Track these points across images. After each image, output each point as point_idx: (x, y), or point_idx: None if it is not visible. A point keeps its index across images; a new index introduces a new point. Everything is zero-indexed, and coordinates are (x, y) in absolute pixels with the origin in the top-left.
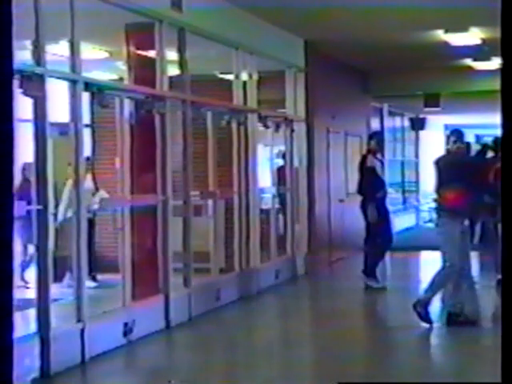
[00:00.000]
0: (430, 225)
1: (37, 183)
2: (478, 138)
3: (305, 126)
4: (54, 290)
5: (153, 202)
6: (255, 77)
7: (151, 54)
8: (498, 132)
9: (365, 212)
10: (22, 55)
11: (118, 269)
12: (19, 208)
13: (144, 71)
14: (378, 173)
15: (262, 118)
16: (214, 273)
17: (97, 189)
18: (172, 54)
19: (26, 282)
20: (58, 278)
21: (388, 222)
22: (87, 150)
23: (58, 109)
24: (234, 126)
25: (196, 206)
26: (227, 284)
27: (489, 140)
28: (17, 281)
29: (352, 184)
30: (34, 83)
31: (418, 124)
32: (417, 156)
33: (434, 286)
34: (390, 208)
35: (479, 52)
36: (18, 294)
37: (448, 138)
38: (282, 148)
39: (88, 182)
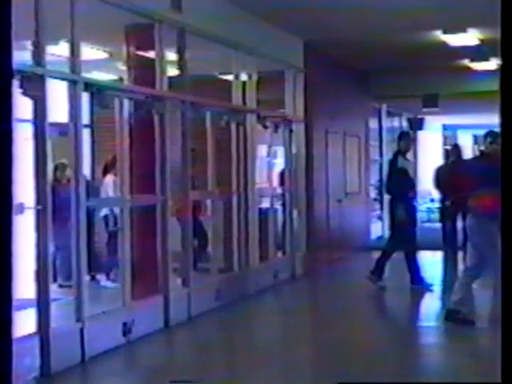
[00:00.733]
0: (429, 224)
1: (37, 183)
2: (475, 138)
3: (303, 126)
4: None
5: (152, 202)
6: (254, 77)
7: (151, 54)
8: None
9: (392, 212)
10: (22, 56)
11: None
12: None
13: (144, 72)
14: (409, 173)
15: (261, 119)
16: (213, 273)
17: None
18: (171, 55)
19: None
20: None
21: (414, 223)
22: (86, 150)
23: (58, 109)
24: (233, 126)
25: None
26: (226, 284)
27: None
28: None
29: (351, 184)
30: (34, 83)
31: (416, 124)
32: (415, 156)
33: (462, 289)
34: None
35: (477, 53)
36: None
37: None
38: (281, 148)
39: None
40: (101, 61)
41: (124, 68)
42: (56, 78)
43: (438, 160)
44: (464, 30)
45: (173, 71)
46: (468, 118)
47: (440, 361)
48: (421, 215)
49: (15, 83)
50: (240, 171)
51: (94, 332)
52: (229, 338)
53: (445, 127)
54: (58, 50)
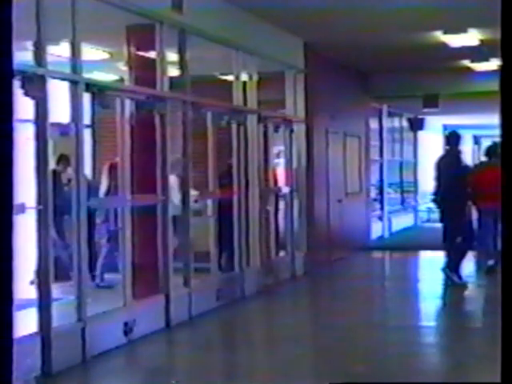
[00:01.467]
0: (429, 224)
1: (38, 183)
2: (476, 138)
3: (304, 126)
4: None
5: (153, 202)
6: (255, 78)
7: (152, 54)
8: (497, 132)
9: (453, 211)
10: (23, 56)
11: None
12: None
13: (144, 72)
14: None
15: (262, 119)
16: (214, 273)
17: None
18: (172, 55)
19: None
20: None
21: (471, 222)
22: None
23: (59, 109)
24: (233, 126)
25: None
26: (227, 284)
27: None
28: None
29: (351, 184)
30: (35, 84)
31: (416, 124)
32: (415, 156)
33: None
34: (388, 208)
35: (478, 53)
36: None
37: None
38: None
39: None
40: (102, 61)
41: (125, 68)
42: (57, 78)
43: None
44: (464, 31)
45: (174, 71)
46: (468, 119)
47: (440, 361)
48: (421, 215)
49: (16, 84)
50: (240, 171)
51: (95, 332)
52: (229, 338)
53: (445, 127)
54: (59, 51)
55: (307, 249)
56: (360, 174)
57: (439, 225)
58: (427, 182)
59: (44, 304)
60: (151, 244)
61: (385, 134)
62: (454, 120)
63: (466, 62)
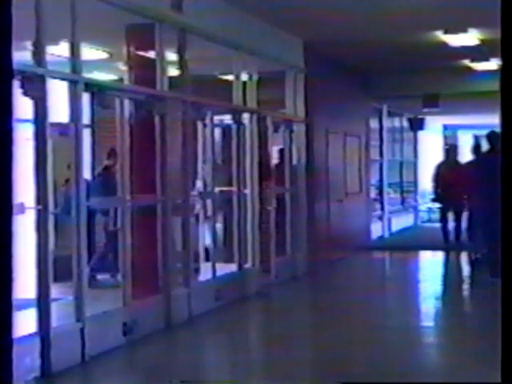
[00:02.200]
0: (429, 224)
1: (37, 183)
2: (476, 138)
3: (304, 126)
4: None
5: (153, 202)
6: (255, 77)
7: (151, 54)
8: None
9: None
10: (23, 56)
11: None
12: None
13: (144, 72)
14: None
15: (262, 119)
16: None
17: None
18: (172, 55)
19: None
20: None
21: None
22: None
23: (59, 109)
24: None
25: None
26: (227, 284)
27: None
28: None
29: (352, 184)
30: (35, 84)
31: (416, 124)
32: (415, 156)
33: None
34: (389, 208)
35: (478, 53)
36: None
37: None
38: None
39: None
40: (101, 61)
41: (124, 68)
42: (56, 78)
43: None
44: (465, 30)
45: (173, 71)
46: (468, 118)
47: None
48: (421, 215)
49: (16, 83)
50: (240, 171)
51: (94, 332)
52: (229, 338)
53: (445, 127)
54: (59, 50)
55: (307, 249)
56: (360, 174)
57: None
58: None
59: (43, 304)
60: (151, 244)
61: (385, 134)
62: (454, 120)
63: (467, 62)
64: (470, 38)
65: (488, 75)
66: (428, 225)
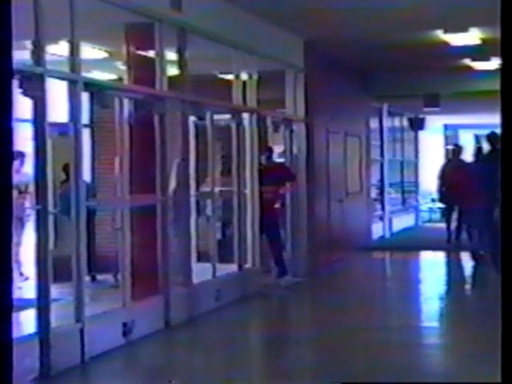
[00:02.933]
0: (430, 224)
1: (36, 183)
2: (477, 138)
3: (304, 126)
4: None
5: (152, 202)
6: (255, 77)
7: (151, 53)
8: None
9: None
10: (22, 55)
11: None
12: None
13: (144, 71)
14: None
15: (262, 119)
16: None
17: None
18: (172, 54)
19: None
20: None
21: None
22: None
23: (58, 109)
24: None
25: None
26: (227, 284)
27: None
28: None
29: (352, 184)
30: (34, 83)
31: (417, 124)
32: (416, 156)
33: None
34: (389, 208)
35: (478, 52)
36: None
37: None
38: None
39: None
40: (101, 60)
41: (124, 67)
42: (56, 77)
43: (440, 160)
44: (465, 30)
45: (173, 71)
46: (469, 118)
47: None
48: (422, 215)
49: (15, 83)
50: (240, 170)
51: (93, 332)
52: (229, 339)
53: (446, 127)
54: (58, 50)
55: (308, 249)
56: (361, 174)
57: (440, 225)
58: (428, 181)
59: (43, 304)
60: (151, 244)
61: (385, 134)
62: (455, 119)
63: (467, 61)
64: (471, 37)
65: (488, 74)
66: (429, 225)
